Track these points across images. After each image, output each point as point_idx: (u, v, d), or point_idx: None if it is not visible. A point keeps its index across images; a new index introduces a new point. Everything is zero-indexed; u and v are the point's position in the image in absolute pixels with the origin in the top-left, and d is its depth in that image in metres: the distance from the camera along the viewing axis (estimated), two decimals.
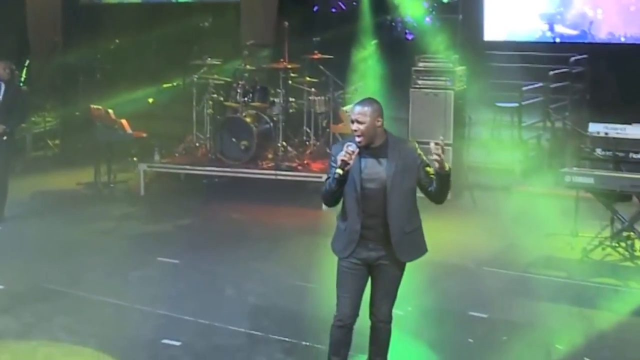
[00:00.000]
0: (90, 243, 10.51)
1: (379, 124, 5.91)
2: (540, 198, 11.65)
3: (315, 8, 18.33)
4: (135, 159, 13.62)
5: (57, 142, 15.75)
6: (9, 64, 11.29)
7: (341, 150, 5.81)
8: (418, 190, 6.03)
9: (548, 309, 8.24)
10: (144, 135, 13.23)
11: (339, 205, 6.10)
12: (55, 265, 9.53)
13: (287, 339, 7.44)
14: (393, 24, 17.65)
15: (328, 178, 5.98)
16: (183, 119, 13.78)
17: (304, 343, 7.35)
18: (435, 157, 5.73)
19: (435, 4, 16.82)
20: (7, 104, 10.95)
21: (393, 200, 5.87)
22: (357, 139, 5.85)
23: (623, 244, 9.74)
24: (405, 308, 7.44)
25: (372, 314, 6.19)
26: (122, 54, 15.92)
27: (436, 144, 5.73)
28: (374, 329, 6.24)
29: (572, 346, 7.31)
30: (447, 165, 5.80)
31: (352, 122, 5.90)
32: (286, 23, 12.95)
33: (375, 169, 5.91)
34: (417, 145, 6.10)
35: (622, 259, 9.60)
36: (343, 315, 6.06)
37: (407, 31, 17.63)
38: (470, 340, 7.51)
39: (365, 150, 5.88)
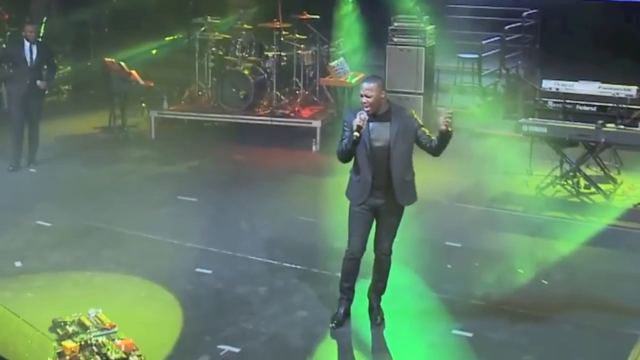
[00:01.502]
0: (115, 183, 11.28)
1: (383, 95, 6.81)
2: (498, 140, 12.59)
3: None
4: (144, 105, 14.32)
5: (68, 88, 16.37)
6: (36, 26, 11.96)
7: (354, 118, 6.71)
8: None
9: (510, 239, 9.27)
10: (152, 84, 13.91)
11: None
12: (89, 204, 10.32)
13: (298, 267, 8.43)
14: None
15: (342, 140, 6.86)
16: (186, 70, 14.50)
17: (314, 270, 8.35)
18: (445, 120, 6.61)
19: None
20: (41, 62, 11.65)
21: (395, 156, 6.81)
22: (366, 109, 6.74)
23: (570, 182, 10.79)
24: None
25: (376, 249, 7.15)
26: (126, 10, 16.38)
27: (448, 114, 6.64)
28: (377, 260, 7.20)
29: (531, 270, 8.36)
30: (451, 129, 6.70)
31: (362, 96, 6.77)
32: None
33: (381, 131, 6.81)
34: (414, 111, 7.04)
35: (570, 195, 10.63)
36: (354, 250, 7.03)
37: None
38: (449, 266, 8.54)
39: (373, 117, 6.78)
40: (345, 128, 6.83)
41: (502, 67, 15.17)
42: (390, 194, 6.89)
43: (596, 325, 7.26)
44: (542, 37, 16.31)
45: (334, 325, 7.16)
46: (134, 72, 13.34)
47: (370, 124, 6.77)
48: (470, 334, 7.04)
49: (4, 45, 14.10)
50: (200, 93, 14.12)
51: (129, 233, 9.35)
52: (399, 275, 7.77)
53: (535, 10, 16.12)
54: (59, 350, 6.57)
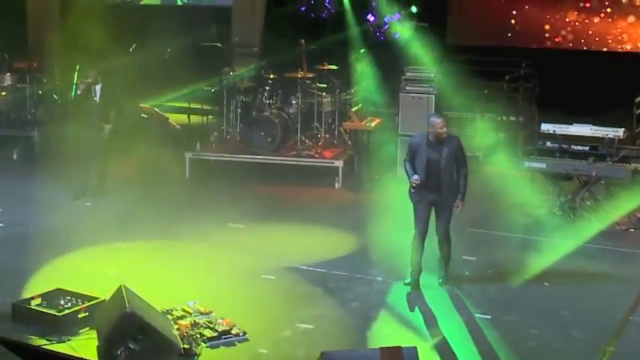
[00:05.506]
0: (164, 215, 14.25)
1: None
2: (501, 178, 15.93)
3: (303, 8, 22.40)
4: (173, 149, 17.52)
5: None
6: (95, 72, 15.15)
7: (417, 141, 10.89)
8: None
9: (514, 255, 12.55)
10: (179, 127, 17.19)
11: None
12: (154, 228, 13.43)
13: (344, 273, 11.69)
14: (375, 31, 21.84)
15: (407, 159, 11.01)
16: (214, 115, 17.85)
17: (357, 275, 11.63)
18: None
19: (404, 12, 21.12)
20: (103, 105, 14.93)
21: (444, 169, 10.72)
22: (444, 134, 10.71)
23: (567, 211, 14.11)
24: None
25: (437, 234, 11.00)
26: (140, 57, 19.58)
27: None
28: (440, 243, 11.08)
29: (534, 275, 11.69)
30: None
31: (440, 128, 10.67)
32: (302, 41, 17.16)
33: (438, 152, 10.71)
34: (460, 140, 11.01)
35: (567, 221, 13.93)
36: (420, 231, 10.91)
37: (383, 36, 21.87)
38: (467, 273, 11.84)
39: (434, 141, 10.72)
40: (408, 151, 11.00)
41: (503, 115, 18.63)
42: (442, 194, 10.78)
43: (584, 313, 10.57)
44: (540, 85, 19.80)
45: (408, 285, 11.16)
46: (168, 117, 16.67)
47: (428, 146, 10.78)
48: (489, 317, 10.33)
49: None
50: (228, 137, 17.42)
51: (195, 252, 12.55)
52: (428, 279, 11.09)
53: (531, 61, 19.65)
54: (176, 327, 9.76)
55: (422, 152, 10.80)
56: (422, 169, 10.78)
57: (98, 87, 15.00)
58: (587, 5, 20.98)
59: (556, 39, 21.29)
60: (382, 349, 7.97)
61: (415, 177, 10.75)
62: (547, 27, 21.22)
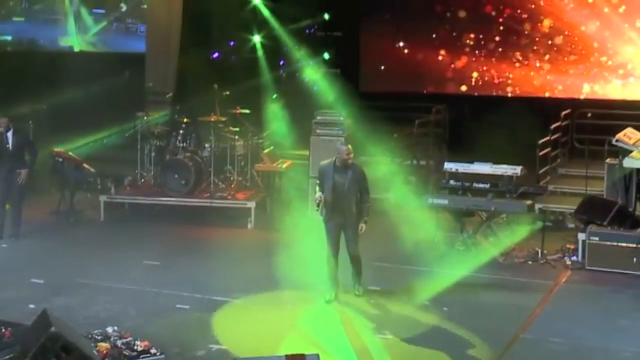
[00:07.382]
0: (82, 253, 15.70)
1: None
2: (409, 218, 17.51)
3: (216, 54, 23.98)
4: (88, 193, 18.88)
5: None
6: (7, 119, 16.40)
7: (325, 166, 12.71)
8: None
9: (416, 285, 14.08)
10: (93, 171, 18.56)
11: None
12: (68, 268, 14.73)
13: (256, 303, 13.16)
14: (287, 76, 23.50)
15: (317, 183, 12.85)
16: (127, 160, 19.24)
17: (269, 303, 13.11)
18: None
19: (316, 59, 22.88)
20: (17, 150, 16.18)
21: (349, 193, 12.53)
22: (350, 160, 12.49)
23: (469, 245, 15.76)
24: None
25: (348, 252, 12.83)
26: (64, 106, 21.08)
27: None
28: (351, 261, 12.96)
29: (435, 303, 13.26)
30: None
31: (347, 154, 12.50)
32: (215, 86, 18.73)
33: (343, 177, 12.51)
34: (363, 169, 12.84)
35: (468, 255, 15.58)
36: (332, 253, 12.71)
37: (295, 81, 23.53)
38: (372, 301, 13.34)
39: (340, 166, 12.44)
40: (319, 177, 12.90)
41: (413, 158, 20.31)
42: (346, 216, 12.57)
43: (480, 332, 12.11)
44: (450, 130, 21.60)
45: (329, 302, 12.94)
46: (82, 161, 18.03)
47: (336, 172, 12.63)
48: (389, 337, 11.86)
49: None
50: (142, 180, 18.83)
51: (113, 286, 13.84)
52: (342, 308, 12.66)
53: (441, 107, 21.46)
54: (96, 349, 11.07)
55: (329, 176, 12.66)
56: (329, 191, 12.62)
57: (10, 134, 16.12)
58: (495, 52, 22.92)
59: (465, 85, 23.16)
60: (287, 356, 9.40)
61: (318, 194, 12.71)
62: (455, 73, 23.08)
